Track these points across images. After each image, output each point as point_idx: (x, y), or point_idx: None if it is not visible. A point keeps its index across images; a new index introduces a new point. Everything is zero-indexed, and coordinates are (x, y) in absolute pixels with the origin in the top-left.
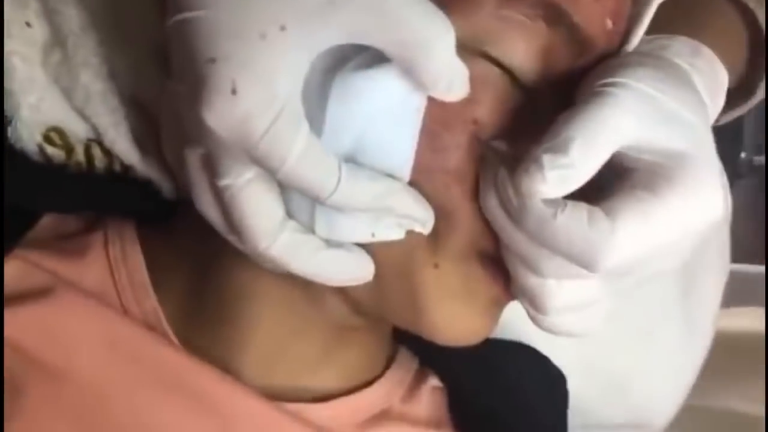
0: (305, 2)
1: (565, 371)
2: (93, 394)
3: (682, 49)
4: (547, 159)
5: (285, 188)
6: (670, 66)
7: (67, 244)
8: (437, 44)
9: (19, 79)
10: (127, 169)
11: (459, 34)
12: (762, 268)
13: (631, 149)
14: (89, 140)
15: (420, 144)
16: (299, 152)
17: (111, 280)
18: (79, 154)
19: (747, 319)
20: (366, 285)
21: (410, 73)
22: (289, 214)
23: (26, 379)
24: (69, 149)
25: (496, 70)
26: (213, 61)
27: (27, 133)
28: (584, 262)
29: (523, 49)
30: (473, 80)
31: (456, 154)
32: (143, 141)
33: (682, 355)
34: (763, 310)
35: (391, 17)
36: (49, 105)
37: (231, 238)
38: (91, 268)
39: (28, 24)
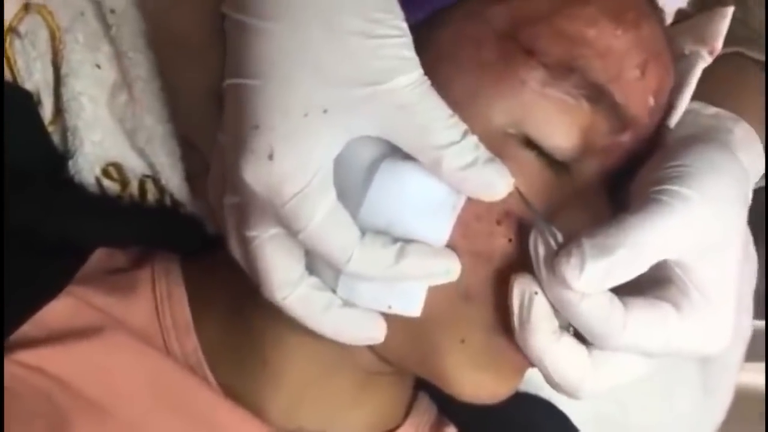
0: (348, 93)
1: (581, 427)
2: None
3: (730, 130)
4: (590, 256)
5: None
6: (723, 162)
7: (116, 280)
8: (458, 152)
9: (85, 118)
10: (176, 204)
11: (499, 113)
12: (762, 324)
13: (670, 260)
14: (144, 176)
15: (453, 230)
16: (321, 219)
17: (156, 320)
18: (134, 188)
19: (747, 375)
20: (393, 344)
21: (439, 177)
22: (316, 272)
23: (73, 414)
24: (125, 183)
25: (531, 155)
26: (257, 127)
27: (87, 167)
28: (597, 342)
29: (564, 128)
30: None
31: (486, 239)
32: (193, 180)
33: (698, 415)
34: (762, 365)
35: (416, 124)
36: (112, 143)
37: (256, 284)
38: (138, 307)
39: (98, 66)
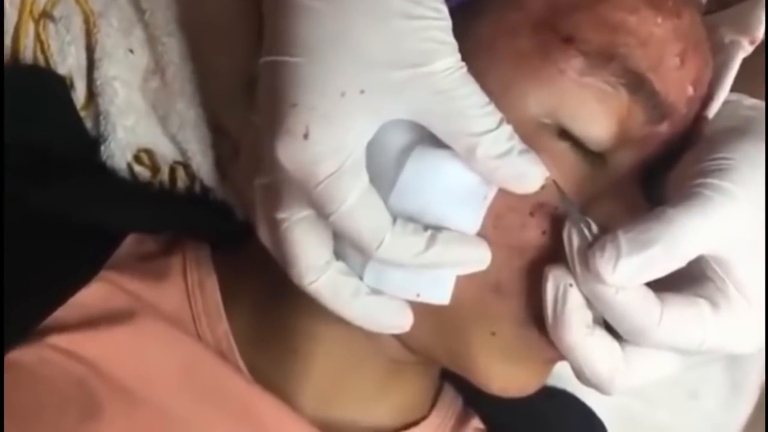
0: (385, 75)
1: (607, 423)
2: (163, 419)
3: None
4: (625, 250)
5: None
6: (764, 157)
7: (148, 266)
8: (493, 140)
9: (117, 103)
10: (206, 191)
11: (534, 103)
12: None
13: (708, 256)
14: (175, 162)
15: (483, 220)
16: (353, 202)
17: (188, 306)
18: (164, 174)
19: None
20: (421, 334)
21: (471, 165)
22: (343, 258)
23: (106, 399)
24: (156, 169)
25: (566, 146)
26: (294, 105)
27: (119, 153)
28: (631, 338)
29: (601, 117)
30: (541, 160)
31: (518, 231)
32: (224, 166)
33: (724, 414)
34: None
35: (452, 110)
36: (144, 128)
37: (284, 268)
38: (170, 293)
39: (131, 51)
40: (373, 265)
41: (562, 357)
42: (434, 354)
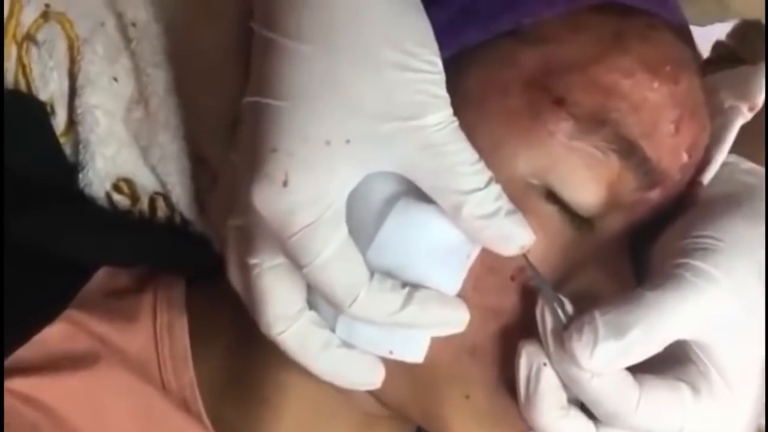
0: (374, 126)
1: None
2: None
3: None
4: (602, 335)
5: None
6: (754, 237)
7: (117, 305)
8: (480, 199)
9: (98, 132)
10: (186, 223)
11: (523, 163)
12: None
13: (691, 340)
14: (155, 193)
15: (463, 282)
16: (329, 256)
17: (154, 350)
18: (144, 204)
19: None
20: (394, 391)
21: (457, 223)
22: (316, 307)
23: None
24: (135, 199)
25: (554, 209)
26: (275, 150)
27: (98, 181)
28: (607, 421)
29: (589, 182)
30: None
31: (498, 295)
32: (204, 198)
33: None
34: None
35: (440, 165)
36: (124, 158)
37: (252, 316)
38: (137, 335)
39: (115, 79)
40: (345, 317)
41: None
42: (408, 412)
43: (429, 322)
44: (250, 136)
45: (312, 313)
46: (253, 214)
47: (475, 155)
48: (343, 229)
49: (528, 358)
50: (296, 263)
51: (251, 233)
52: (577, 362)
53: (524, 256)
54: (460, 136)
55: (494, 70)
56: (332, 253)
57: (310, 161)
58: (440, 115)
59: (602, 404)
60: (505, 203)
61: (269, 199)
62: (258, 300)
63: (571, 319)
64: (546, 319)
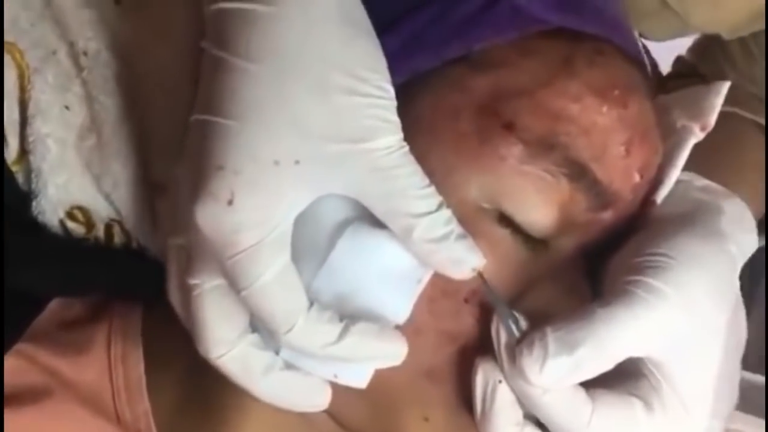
0: (324, 148)
1: None
2: None
3: (720, 208)
4: (552, 351)
5: None
6: (707, 254)
7: (70, 336)
8: (431, 223)
9: (50, 160)
10: (143, 248)
11: (474, 188)
12: (762, 379)
13: (641, 357)
14: (111, 220)
15: (416, 305)
16: (269, 280)
17: (108, 381)
18: (99, 231)
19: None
20: (354, 415)
21: (407, 247)
22: (258, 329)
23: None
24: (90, 226)
25: (506, 232)
26: (221, 168)
27: (50, 209)
28: None
29: (541, 205)
30: (479, 246)
31: (452, 317)
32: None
33: None
34: (762, 422)
35: (390, 189)
36: (77, 186)
37: (192, 338)
38: (90, 367)
39: (66, 107)
40: None
41: None
42: None
43: (365, 356)
44: (196, 154)
45: (254, 336)
46: (195, 233)
47: (426, 179)
48: (286, 254)
49: (484, 375)
50: (235, 285)
51: (192, 252)
52: (526, 378)
53: (479, 273)
54: (410, 159)
55: (444, 96)
56: (272, 277)
57: (257, 181)
58: (390, 139)
59: (555, 420)
60: (455, 227)
61: (212, 218)
62: (197, 322)
63: (524, 335)
64: (500, 335)
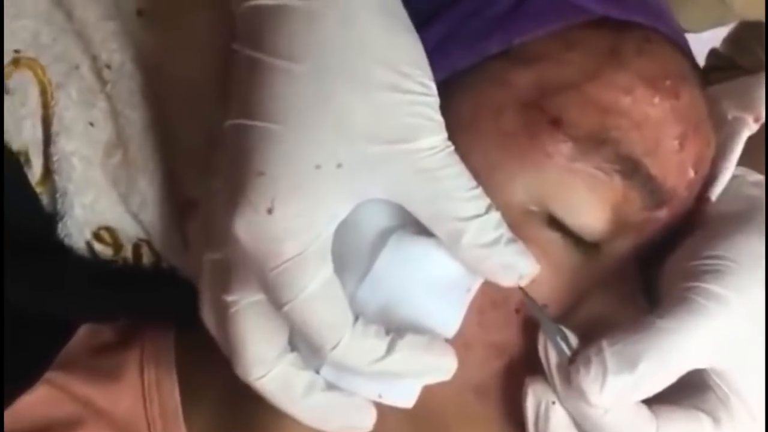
0: (366, 149)
1: None
2: None
3: None
4: (612, 369)
5: None
6: (764, 249)
7: (101, 362)
8: (480, 227)
9: (75, 180)
10: (174, 268)
11: (521, 189)
12: None
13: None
14: (140, 240)
15: (465, 316)
16: (313, 292)
17: (143, 409)
18: (128, 252)
19: None
20: None
21: (455, 254)
22: (297, 347)
23: None
24: (118, 247)
25: (557, 236)
26: (261, 174)
27: (77, 231)
28: None
29: (593, 206)
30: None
31: (501, 329)
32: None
33: None
34: None
35: (437, 191)
36: (104, 206)
37: (228, 359)
38: (123, 395)
39: (91, 124)
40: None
41: None
42: None
43: (414, 371)
44: (233, 161)
45: (293, 355)
46: (234, 245)
47: (473, 181)
48: (329, 264)
49: (535, 396)
50: (277, 299)
51: (229, 267)
52: (586, 398)
53: (521, 289)
54: (456, 160)
55: (486, 93)
56: (317, 289)
57: (298, 187)
58: (434, 139)
59: None
60: (505, 230)
61: (252, 227)
62: (235, 342)
63: (576, 352)
64: (549, 354)
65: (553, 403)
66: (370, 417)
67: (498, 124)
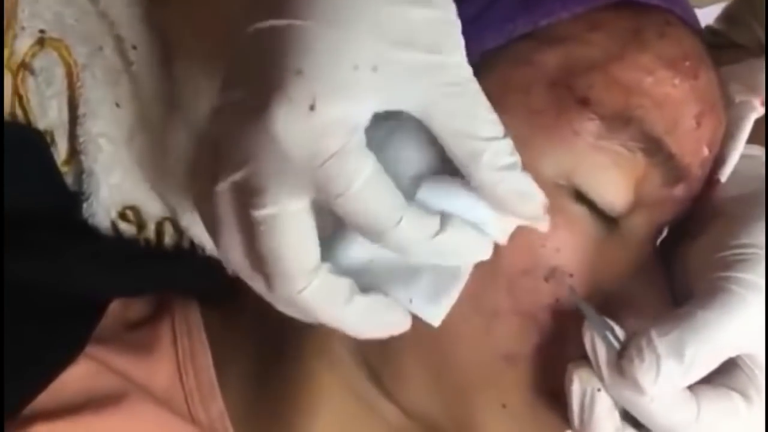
0: (400, 54)
1: None
2: None
3: None
4: (664, 358)
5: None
6: None
7: (135, 337)
8: (498, 149)
9: (102, 160)
10: (194, 245)
11: (550, 164)
12: None
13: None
14: (163, 218)
15: (495, 285)
16: (366, 178)
17: (179, 382)
18: (150, 231)
19: None
20: (424, 399)
21: (474, 174)
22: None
23: None
24: (141, 226)
25: (583, 209)
26: (300, 72)
27: (103, 211)
28: None
29: (618, 182)
30: (557, 226)
31: (532, 298)
32: None
33: None
34: None
35: (463, 106)
36: (130, 185)
37: (254, 284)
38: (159, 368)
39: (117, 104)
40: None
41: (573, 425)
42: (441, 423)
43: (466, 246)
44: (263, 64)
45: (328, 265)
46: (270, 147)
47: (491, 107)
48: (372, 155)
49: (581, 383)
50: (330, 193)
51: (257, 181)
52: (642, 388)
53: (570, 287)
54: (476, 80)
55: (513, 72)
56: (369, 176)
57: (338, 85)
58: (460, 55)
59: (661, 422)
60: (518, 160)
61: (294, 126)
62: (272, 257)
63: (624, 344)
64: (597, 347)
65: (599, 390)
66: (407, 320)
67: (526, 101)
